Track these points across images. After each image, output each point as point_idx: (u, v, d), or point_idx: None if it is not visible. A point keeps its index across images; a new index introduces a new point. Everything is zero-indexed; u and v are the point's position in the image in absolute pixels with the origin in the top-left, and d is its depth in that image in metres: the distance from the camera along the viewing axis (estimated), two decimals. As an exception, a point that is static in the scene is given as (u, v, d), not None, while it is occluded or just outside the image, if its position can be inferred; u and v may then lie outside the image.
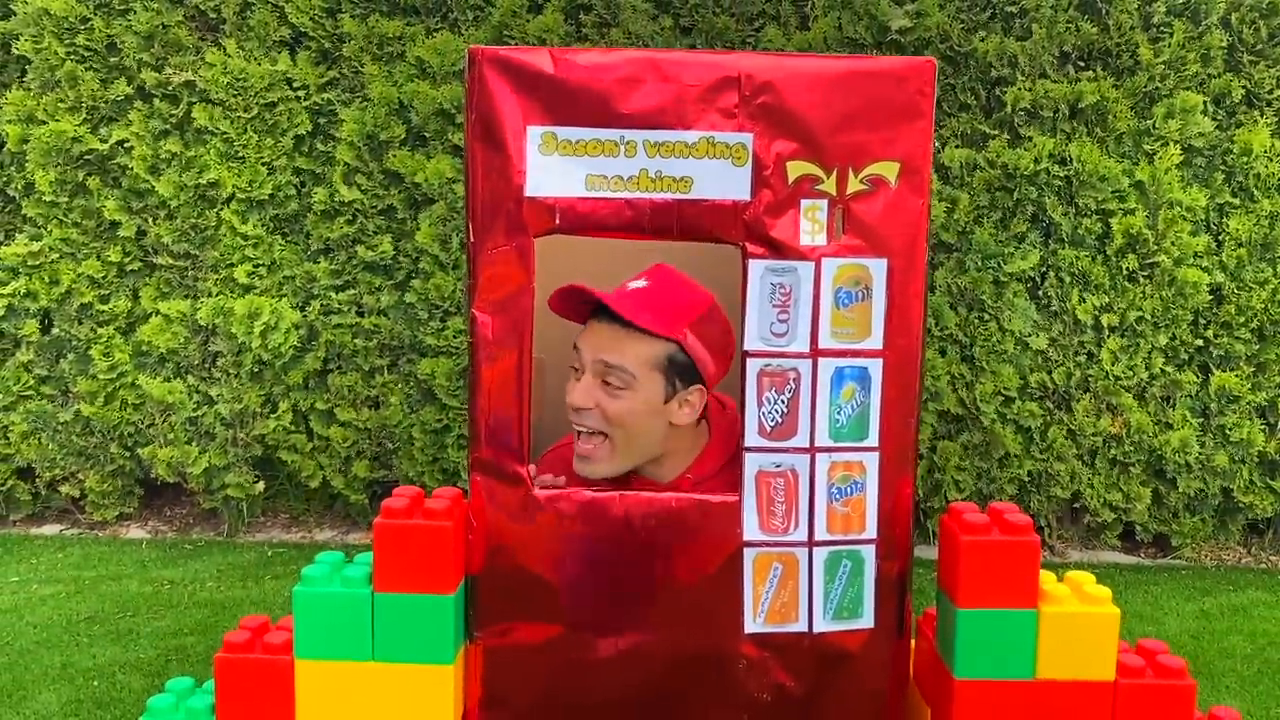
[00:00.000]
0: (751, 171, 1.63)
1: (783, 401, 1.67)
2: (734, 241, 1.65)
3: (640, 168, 1.62)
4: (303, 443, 4.26)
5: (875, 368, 1.68)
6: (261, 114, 4.07)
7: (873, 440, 1.69)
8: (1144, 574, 4.19)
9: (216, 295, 4.14)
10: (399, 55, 4.06)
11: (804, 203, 1.64)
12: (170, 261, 4.18)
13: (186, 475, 4.29)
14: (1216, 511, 4.34)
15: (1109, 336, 4.13)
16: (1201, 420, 4.20)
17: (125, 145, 4.11)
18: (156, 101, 4.10)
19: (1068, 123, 4.10)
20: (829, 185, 1.64)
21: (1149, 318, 4.11)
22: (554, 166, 1.62)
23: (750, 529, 1.69)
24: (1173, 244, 4.06)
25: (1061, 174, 4.08)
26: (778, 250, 1.64)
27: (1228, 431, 4.18)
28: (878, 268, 1.66)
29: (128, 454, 4.31)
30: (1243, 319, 4.12)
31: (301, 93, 4.09)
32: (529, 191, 1.62)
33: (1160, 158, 4.04)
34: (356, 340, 4.15)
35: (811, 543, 1.70)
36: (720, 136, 1.62)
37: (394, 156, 4.04)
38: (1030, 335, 4.15)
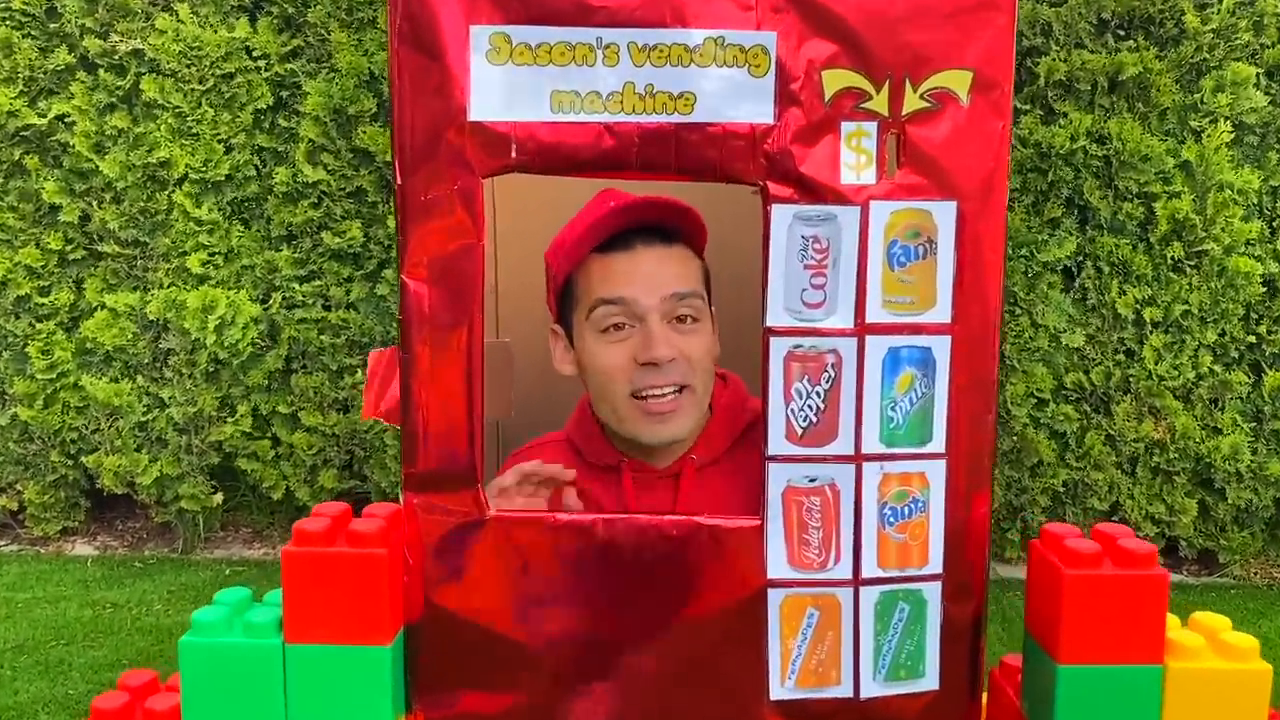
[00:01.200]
0: (775, 85, 1.22)
1: (818, 394, 1.26)
2: (752, 181, 1.24)
3: (625, 80, 1.21)
4: (264, 450, 3.92)
5: (941, 348, 1.27)
6: (218, 86, 3.74)
7: (938, 444, 1.28)
8: (1188, 594, 3.82)
9: (168, 287, 3.81)
10: (369, 22, 3.68)
11: (845, 126, 1.24)
12: (117, 250, 3.85)
13: (136, 486, 3.92)
14: (1268, 525, 3.99)
15: (1152, 333, 3.77)
16: (1254, 425, 3.84)
17: (66, 120, 3.78)
18: (101, 72, 3.77)
19: (1106, 97, 3.73)
20: (879, 103, 1.24)
21: (1196, 312, 3.76)
22: (508, 81, 1.21)
23: (776, 563, 1.28)
24: (1223, 230, 3.70)
25: (1100, 154, 3.70)
26: (811, 191, 1.24)
27: (1283, 437, 3.82)
28: (944, 214, 1.25)
29: (70, 463, 3.95)
30: (1300, 313, 3.76)
31: (262, 63, 3.76)
32: (474, 115, 1.21)
33: (1209, 136, 3.68)
34: (323, 336, 3.79)
35: (857, 580, 1.29)
36: (733, 36, 1.21)
37: (364, 133, 3.66)
38: (1065, 331, 3.78)
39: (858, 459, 1.28)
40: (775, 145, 1.23)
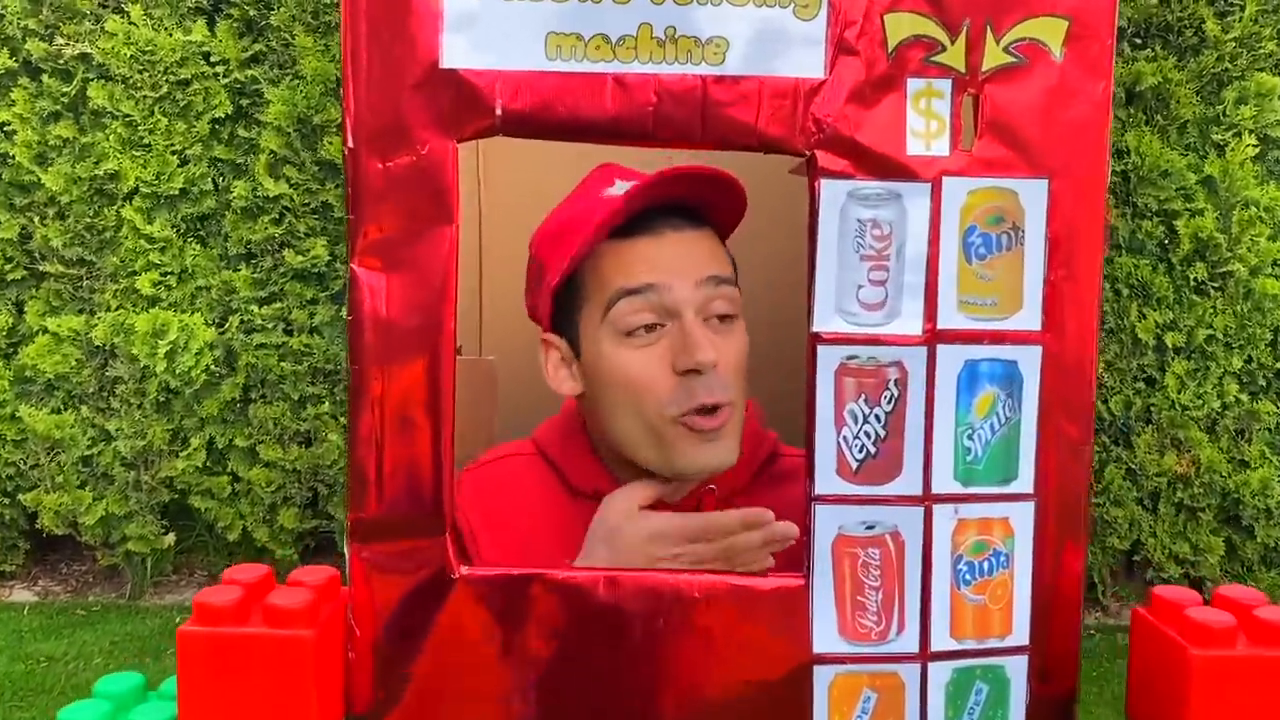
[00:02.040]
0: (826, 30, 0.98)
1: (878, 419, 1.01)
2: (797, 150, 0.99)
3: (639, 21, 0.96)
4: (219, 486, 3.61)
5: (1029, 361, 1.02)
6: (172, 93, 3.44)
7: (1024, 482, 1.03)
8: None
9: (115, 310, 3.49)
10: (337, 25, 3.41)
11: (913, 85, 0.99)
12: (60, 269, 3.53)
13: (79, 526, 3.60)
14: (1299, 565, 3.73)
15: (1174, 359, 3.53)
16: (1284, 457, 3.59)
17: (6, 129, 3.48)
18: (45, 78, 3.46)
19: (1123, 109, 3.50)
20: (954, 56, 0.99)
21: (1221, 337, 3.52)
22: (491, 20, 0.96)
23: (825, 633, 1.01)
24: (1249, 250, 3.48)
25: (1117, 168, 3.48)
26: (869, 164, 0.99)
27: (1314, 471, 3.58)
28: (1033, 194, 1.01)
29: (7, 501, 3.63)
30: (1330, 338, 3.54)
31: (220, 69, 3.46)
32: (448, 62, 0.96)
33: (1232, 150, 3.47)
34: (284, 363, 3.49)
35: (926, 655, 1.02)
36: (776, -33, 0.96)
37: (330, 144, 3.40)
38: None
39: (927, 500, 1.02)
40: (826, 106, 0.98)
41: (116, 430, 3.52)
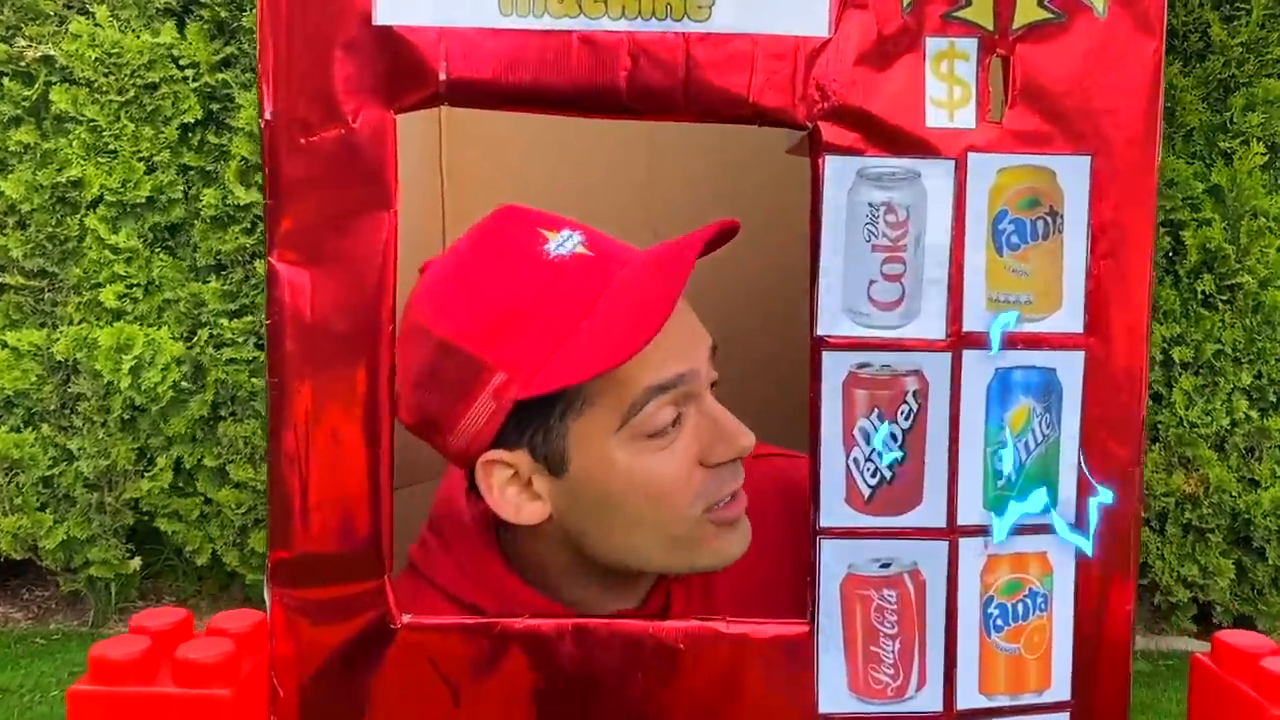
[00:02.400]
0: (832, -20, 0.83)
1: (894, 437, 0.86)
2: (797, 122, 0.84)
3: (611, -30, 0.81)
4: (187, 508, 3.49)
5: (1070, 369, 0.87)
6: (139, 98, 3.33)
7: (1066, 510, 0.88)
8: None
9: (78, 323, 3.38)
10: None
11: (933, 45, 0.85)
12: (20, 281, 3.42)
13: (39, 550, 3.46)
14: (1311, 589, 3.60)
15: (1182, 374, 3.43)
16: (1295, 476, 3.46)
17: (-36, 135, 3.35)
18: (6, 81, 3.36)
19: (1128, 115, 3.39)
20: (979, 11, 0.85)
21: (1230, 351, 3.42)
22: (438, -35, 0.81)
23: (833, 690, 0.86)
24: (1258, 262, 3.39)
25: (1121, 177, 3.35)
26: (882, 138, 0.84)
27: (1327, 490, 3.46)
28: (1074, 174, 0.86)
29: (-36, 524, 3.47)
30: (1342, 353, 3.43)
31: (190, 72, 3.35)
32: (382, 18, 0.81)
33: (1240, 158, 3.37)
34: (254, 379, 3.39)
35: (951, 714, 0.87)
36: (771, -94, 0.82)
37: (303, 150, 3.26)
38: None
39: (952, 533, 0.87)
40: (830, 70, 0.84)
41: (79, 450, 3.41)
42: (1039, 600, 0.88)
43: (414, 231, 1.42)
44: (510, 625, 0.85)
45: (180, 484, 3.49)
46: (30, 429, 3.44)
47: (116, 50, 3.28)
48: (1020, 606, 0.88)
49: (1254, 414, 3.47)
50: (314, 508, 0.84)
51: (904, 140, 0.84)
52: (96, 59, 3.28)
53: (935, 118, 0.84)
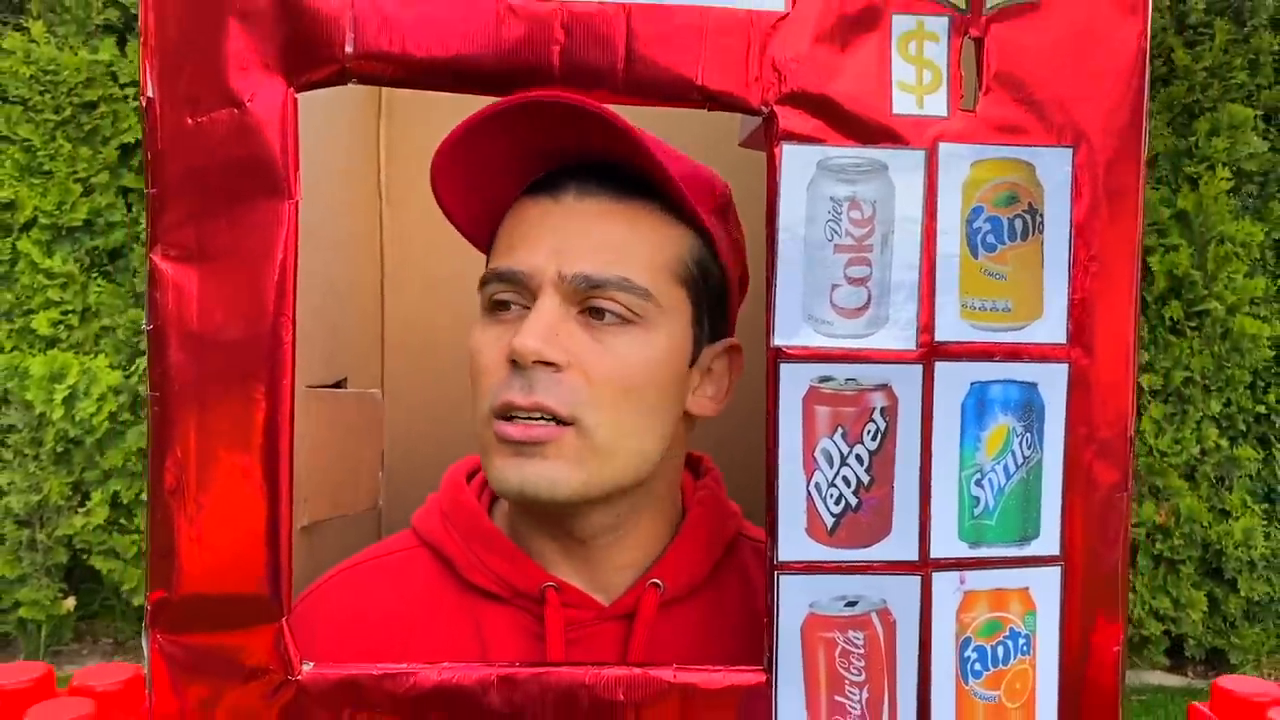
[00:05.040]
0: (788, -50, 0.75)
1: (860, 460, 0.77)
2: (750, 106, 0.75)
3: (542, -66, 0.73)
4: (125, 545, 3.37)
5: (1053, 383, 0.79)
6: (76, 116, 3.24)
7: (1048, 541, 0.79)
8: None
9: (9, 351, 3.28)
10: None
11: (899, 23, 0.77)
12: (-51, 307, 3.24)
13: (-35, 591, 3.29)
14: (1282, 620, 3.55)
15: (1151, 402, 3.38)
16: (1266, 506, 3.42)
17: (-108, 155, 3.20)
18: (-64, 99, 3.21)
19: (1092, 140, 3.35)
20: (951, -12, 0.77)
21: (1199, 379, 3.38)
22: (345, -74, 0.72)
23: (793, 746, 0.77)
24: (1225, 288, 3.35)
25: (1086, 203, 3.31)
26: (845, 125, 0.76)
27: (1298, 520, 3.42)
28: (1054, 166, 0.78)
29: (-116, 563, 3.31)
30: (1311, 380, 3.39)
31: (131, 90, 3.27)
32: (287, -19, 0.72)
33: (1206, 183, 3.34)
34: (196, 410, 3.20)
35: (926, 773, 0.78)
36: None
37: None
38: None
39: (924, 567, 0.78)
40: (787, 48, 0.75)
41: (9, 484, 3.29)
42: (1021, 642, 0.79)
43: (351, 240, 1.32)
44: (425, 677, 0.74)
45: (118, 520, 3.36)
46: (-43, 462, 3.29)
47: (53, 67, 3.18)
48: (1000, 649, 0.79)
49: (1224, 442, 3.42)
50: (201, 543, 0.73)
51: (869, 128, 0.76)
52: (32, 76, 3.18)
53: (903, 104, 0.76)
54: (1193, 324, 3.38)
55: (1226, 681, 0.82)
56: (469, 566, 0.92)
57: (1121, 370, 0.80)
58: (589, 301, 0.84)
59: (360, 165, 1.35)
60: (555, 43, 0.73)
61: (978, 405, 0.78)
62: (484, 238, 0.93)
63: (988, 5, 0.77)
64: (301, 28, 0.72)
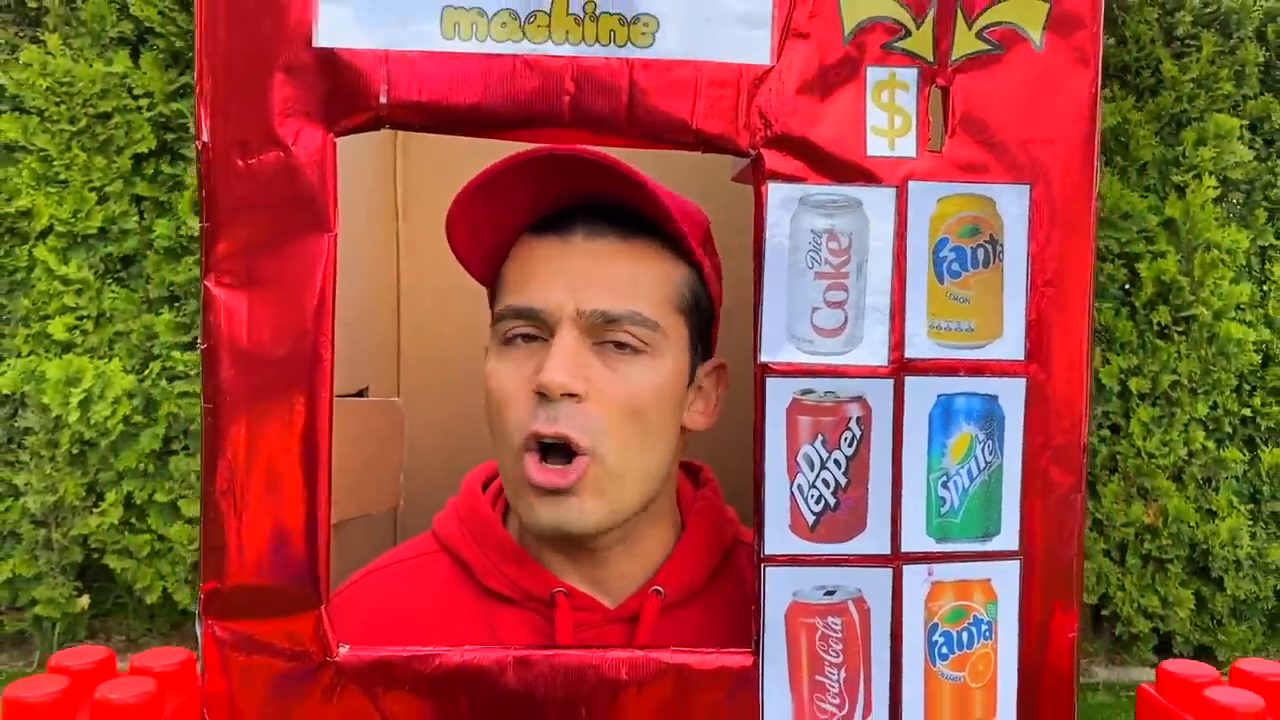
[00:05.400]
0: (773, 10, 0.84)
1: (838, 464, 0.85)
2: (740, 149, 0.84)
3: (554, -5, 0.81)
4: (138, 545, 3.38)
5: (1011, 396, 0.87)
6: (91, 127, 3.27)
7: (1008, 538, 0.88)
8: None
9: (26, 356, 3.29)
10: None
11: (873, 74, 0.85)
12: (-34, 313, 3.32)
13: (-17, 589, 3.35)
14: (1269, 617, 3.62)
15: (1139, 405, 3.44)
16: (1251, 506, 3.49)
17: (-88, 164, 3.27)
18: (-48, 110, 3.28)
19: (1081, 149, 3.42)
20: (919, 42, 0.86)
21: (1186, 382, 3.44)
22: (379, -10, 0.81)
23: (778, 718, 0.85)
24: (1211, 293, 3.41)
25: (1075, 210, 3.39)
26: (824, 166, 0.85)
27: (1283, 520, 3.49)
28: (1013, 203, 0.87)
29: (-96, 561, 3.37)
30: (1294, 384, 3.46)
31: (144, 101, 3.29)
32: (323, 39, 0.81)
33: (1193, 191, 3.40)
34: (208, 412, 3.26)
35: (897, 745, 0.86)
36: (713, -64, 0.82)
37: (260, 181, 3.21)
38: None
39: (896, 560, 0.86)
40: (773, 98, 0.84)
41: (25, 485, 3.30)
42: (983, 628, 0.88)
43: (370, 258, 1.41)
44: (449, 658, 0.83)
45: (130, 520, 3.38)
46: (-25, 464, 3.35)
47: (69, 79, 3.23)
48: (965, 634, 0.87)
49: (1210, 444, 3.48)
50: (249, 538, 0.82)
51: (846, 168, 0.84)
52: (48, 88, 3.23)
53: (876, 146, 0.85)
54: (1180, 329, 3.44)
55: (1171, 665, 0.90)
56: (485, 572, 1.01)
57: (1075, 383, 0.89)
58: (604, 335, 0.93)
59: (378, 189, 1.44)
60: (566, 93, 0.82)
61: (944, 415, 0.86)
62: (488, 274, 1.02)
63: (953, 57, 0.86)
64: (340, 81, 0.80)
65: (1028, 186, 0.87)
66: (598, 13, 0.82)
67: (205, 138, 0.80)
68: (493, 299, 1.02)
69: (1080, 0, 0.88)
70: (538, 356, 0.94)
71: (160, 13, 3.25)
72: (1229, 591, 3.50)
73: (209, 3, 0.80)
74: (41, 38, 3.26)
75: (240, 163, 0.80)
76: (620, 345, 0.94)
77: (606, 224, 0.96)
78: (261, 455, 0.82)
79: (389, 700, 0.83)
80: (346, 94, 0.80)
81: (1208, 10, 3.46)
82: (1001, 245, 0.87)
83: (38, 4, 3.28)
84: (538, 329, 0.95)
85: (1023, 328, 0.87)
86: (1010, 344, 0.87)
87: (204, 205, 0.81)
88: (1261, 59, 3.44)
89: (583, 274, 0.94)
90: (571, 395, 0.91)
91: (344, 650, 0.83)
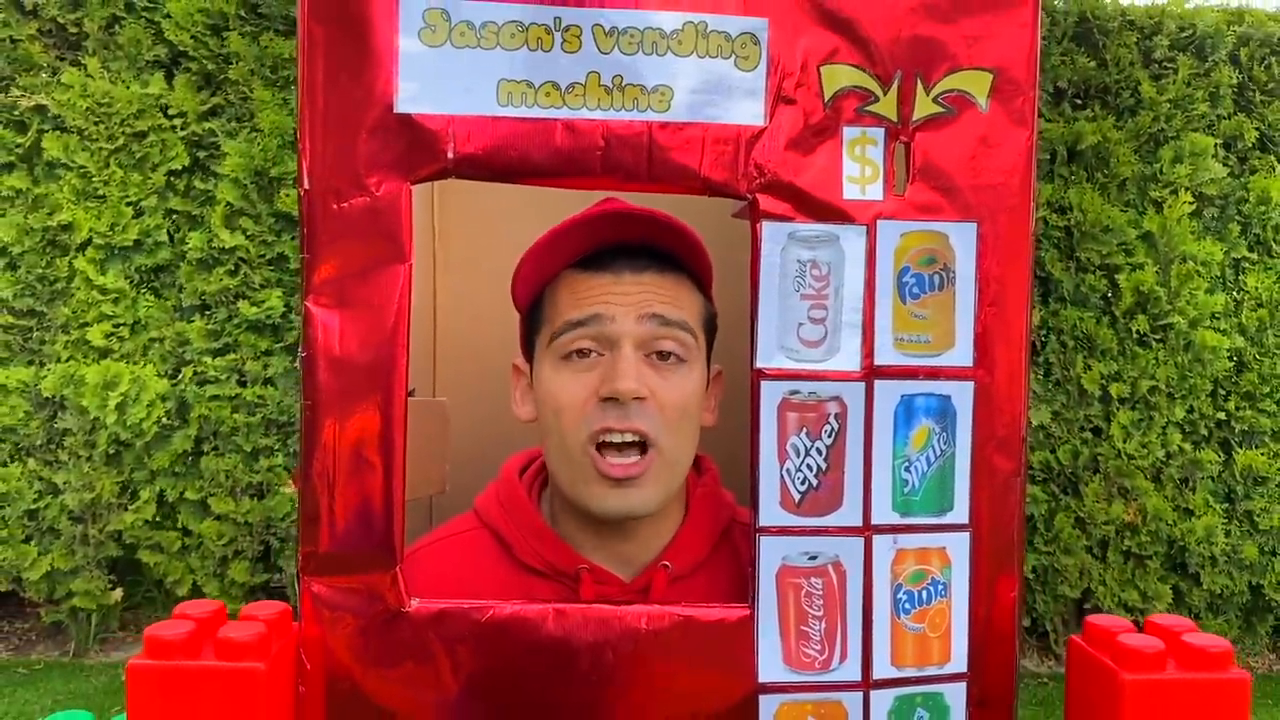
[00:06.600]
0: (766, 80, 1.02)
1: (819, 452, 1.04)
2: (739, 193, 1.03)
3: (588, 70, 1.00)
4: (169, 540, 3.54)
5: (963, 396, 1.06)
6: (128, 145, 3.43)
7: (960, 513, 1.06)
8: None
9: (66, 360, 3.44)
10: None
11: (848, 132, 1.04)
12: (10, 320, 3.49)
13: (22, 581, 3.51)
14: (1243, 611, 3.79)
15: (1119, 409, 3.61)
16: (1226, 505, 3.66)
17: (-41, 180, 3.43)
18: (0, 129, 3.44)
19: (1065, 166, 3.62)
20: (886, 105, 1.04)
21: (1163, 387, 3.61)
22: (444, 66, 1.00)
23: (770, 663, 1.04)
24: (1187, 303, 3.58)
25: (1060, 224, 3.59)
26: (808, 207, 1.03)
27: (1255, 518, 3.67)
28: (963, 237, 1.05)
29: (-52, 556, 3.53)
30: (1267, 389, 3.66)
31: (178, 121, 3.46)
32: (402, 106, 0.99)
33: (1169, 206, 3.58)
34: (237, 415, 3.46)
35: (868, 683, 1.05)
36: (717, 22, 1.01)
37: (286, 196, 3.41)
38: (1031, 407, 3.58)
39: (867, 531, 1.05)
40: (766, 152, 1.03)
41: (64, 483, 3.46)
42: (940, 588, 1.06)
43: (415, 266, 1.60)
44: (500, 609, 1.02)
45: (162, 517, 3.53)
46: (17, 463, 3.47)
47: (107, 100, 3.40)
48: (924, 593, 1.06)
49: (1187, 446, 3.65)
50: (339, 512, 1.00)
51: (826, 209, 1.03)
52: (88, 108, 3.40)
53: (850, 191, 1.03)
54: (1158, 337, 3.61)
55: (1095, 618, 1.08)
56: (521, 549, 1.21)
57: (1016, 385, 1.07)
58: (655, 345, 1.14)
59: (418, 211, 1.62)
60: (597, 149, 1.00)
61: (906, 412, 1.05)
62: (526, 298, 1.23)
63: (914, 118, 1.05)
64: (416, 139, 0.99)
65: (975, 224, 1.05)
66: (624, 84, 1.00)
67: (306, 185, 0.99)
68: (537, 319, 1.21)
69: (1018, 70, 1.06)
70: (597, 368, 1.14)
71: (193, 38, 3.43)
72: (1205, 586, 3.66)
73: (309, 76, 0.98)
74: (82, 61, 3.43)
75: (334, 206, 0.99)
76: (665, 355, 1.15)
77: (646, 261, 1.17)
78: (349, 444, 1.00)
79: (451, 643, 1.01)
80: (421, 150, 0.99)
81: (1184, 35, 3.64)
82: (953, 272, 1.05)
83: (78, 29, 3.46)
84: (596, 344, 1.14)
85: (971, 340, 1.05)
86: (961, 353, 1.05)
87: (304, 240, 0.99)
88: (1235, 81, 3.62)
89: (638, 295, 1.15)
90: (639, 398, 1.11)
91: (415, 603, 1.01)
